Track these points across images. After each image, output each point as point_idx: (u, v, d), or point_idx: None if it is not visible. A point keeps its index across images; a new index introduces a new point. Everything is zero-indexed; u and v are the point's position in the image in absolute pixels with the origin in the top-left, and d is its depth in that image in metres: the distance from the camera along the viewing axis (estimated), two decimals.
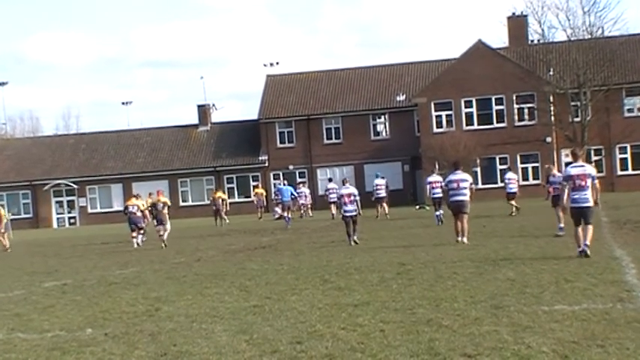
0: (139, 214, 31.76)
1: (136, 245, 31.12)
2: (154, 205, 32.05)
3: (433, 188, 33.51)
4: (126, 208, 32.45)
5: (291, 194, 43.56)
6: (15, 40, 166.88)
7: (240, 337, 10.75)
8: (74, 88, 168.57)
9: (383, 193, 42.71)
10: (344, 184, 26.50)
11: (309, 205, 51.48)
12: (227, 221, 46.53)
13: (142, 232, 32.13)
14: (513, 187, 37.11)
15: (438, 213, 32.71)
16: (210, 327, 11.63)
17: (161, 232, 30.87)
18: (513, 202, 36.47)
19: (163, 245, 29.86)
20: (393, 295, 13.47)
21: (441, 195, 32.03)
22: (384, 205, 42.49)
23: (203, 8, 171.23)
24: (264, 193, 55.53)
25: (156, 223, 31.68)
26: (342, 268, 18.16)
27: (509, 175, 38.79)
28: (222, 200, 47.43)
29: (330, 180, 52.12)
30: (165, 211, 31.64)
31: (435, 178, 34.19)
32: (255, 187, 60.82)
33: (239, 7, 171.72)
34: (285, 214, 41.70)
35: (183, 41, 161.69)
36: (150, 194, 35.93)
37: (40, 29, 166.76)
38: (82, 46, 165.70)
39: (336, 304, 12.90)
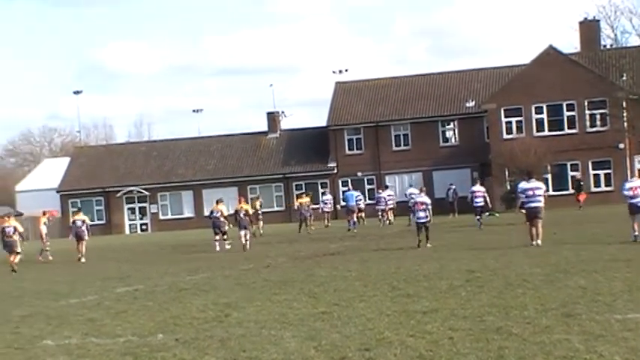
0: (222, 219, 33.37)
1: (217, 249, 32.40)
2: (237, 212, 33.29)
3: (476, 197, 36.58)
4: (211, 212, 34.17)
5: (356, 199, 43.93)
6: (91, 49, 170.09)
7: (309, 343, 10.79)
8: (147, 96, 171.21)
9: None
10: (419, 193, 29.51)
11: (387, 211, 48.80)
12: (261, 232, 43.33)
13: (224, 236, 33.22)
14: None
15: (478, 217, 36.33)
16: (279, 333, 11.70)
17: (247, 237, 32.35)
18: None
19: (246, 247, 31.77)
20: (461, 303, 13.40)
21: (482, 204, 36.59)
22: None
23: (273, 16, 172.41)
24: (309, 202, 47.11)
25: (239, 229, 32.78)
26: (411, 275, 18.12)
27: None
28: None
29: (414, 187, 51.19)
30: (247, 217, 33.28)
31: (478, 188, 37.59)
32: (298, 196, 53.85)
33: (310, 15, 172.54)
34: (349, 218, 42.07)
35: (253, 49, 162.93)
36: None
37: (115, 39, 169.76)
38: (155, 54, 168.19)
39: (405, 312, 12.88)
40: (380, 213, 47.82)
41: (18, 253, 29.08)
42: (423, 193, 29.23)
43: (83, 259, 32.14)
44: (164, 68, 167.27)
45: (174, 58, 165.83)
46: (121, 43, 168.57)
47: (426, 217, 27.04)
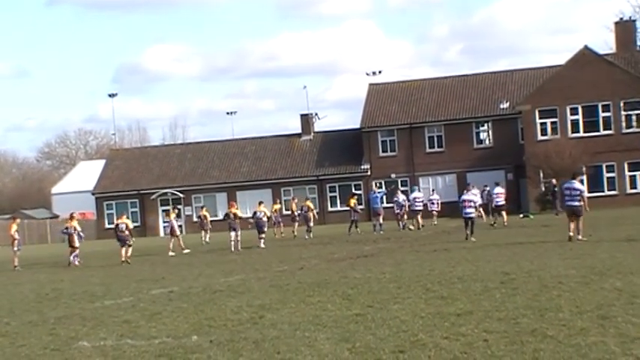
0: (264, 219, 36.17)
1: (263, 246, 34.72)
2: (227, 215, 35.88)
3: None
4: (254, 213, 36.61)
5: (381, 199, 45.27)
6: (129, 52, 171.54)
7: (343, 345, 10.80)
8: (183, 98, 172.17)
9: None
10: (465, 192, 32.44)
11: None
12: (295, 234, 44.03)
13: (262, 235, 35.57)
14: (500, 201, 41.36)
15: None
16: (313, 335, 11.71)
17: (237, 239, 34.94)
18: (504, 215, 41.05)
19: (237, 248, 34.52)
20: (496, 305, 13.34)
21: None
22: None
23: (313, 19, 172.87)
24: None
25: (229, 230, 35.31)
26: (445, 277, 18.06)
27: (497, 189, 42.19)
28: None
29: (417, 191, 50.21)
30: (237, 220, 35.48)
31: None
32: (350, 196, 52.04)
33: (348, 18, 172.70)
34: (375, 221, 42.10)
35: (291, 51, 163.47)
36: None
37: (154, 42, 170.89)
38: (193, 57, 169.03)
39: (439, 314, 12.85)
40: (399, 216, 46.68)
41: (129, 245, 32.02)
42: (466, 190, 32.82)
43: (186, 250, 36.49)
44: (201, 71, 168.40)
45: (212, 61, 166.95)
46: (159, 47, 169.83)
47: (472, 212, 30.84)
